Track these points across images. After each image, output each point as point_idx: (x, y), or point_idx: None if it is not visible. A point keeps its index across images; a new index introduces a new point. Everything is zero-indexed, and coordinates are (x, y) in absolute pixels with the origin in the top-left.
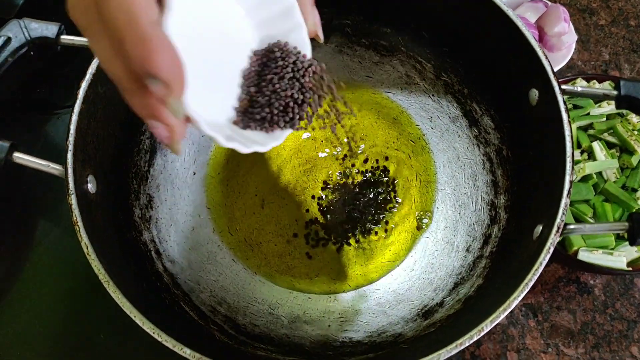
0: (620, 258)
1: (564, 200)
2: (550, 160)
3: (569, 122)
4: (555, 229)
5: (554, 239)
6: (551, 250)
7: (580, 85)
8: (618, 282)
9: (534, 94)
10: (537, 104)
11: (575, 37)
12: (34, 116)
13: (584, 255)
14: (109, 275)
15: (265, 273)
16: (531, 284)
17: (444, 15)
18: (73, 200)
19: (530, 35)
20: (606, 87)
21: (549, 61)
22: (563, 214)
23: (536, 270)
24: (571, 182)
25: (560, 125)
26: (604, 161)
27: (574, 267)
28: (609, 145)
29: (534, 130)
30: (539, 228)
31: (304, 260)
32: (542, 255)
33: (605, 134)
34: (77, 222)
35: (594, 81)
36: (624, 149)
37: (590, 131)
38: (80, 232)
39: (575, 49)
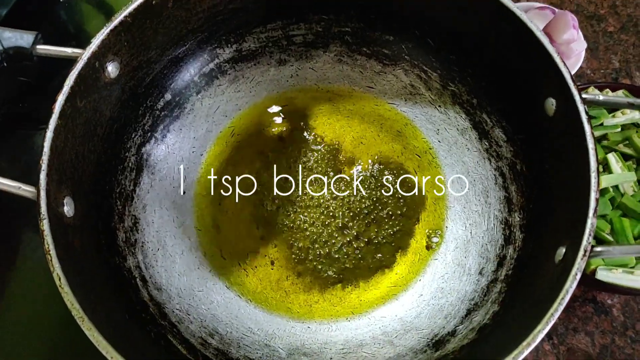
0: None
1: (590, 220)
2: (570, 176)
3: (592, 134)
4: (581, 252)
5: (580, 263)
6: (578, 277)
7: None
8: (638, 302)
9: (551, 103)
10: (554, 114)
11: (584, 44)
12: (16, 132)
13: (602, 275)
14: (84, 310)
15: (261, 300)
16: (557, 314)
17: (450, 20)
18: (45, 225)
19: (546, 40)
20: (620, 96)
21: (567, 68)
22: (590, 235)
23: (562, 299)
24: (597, 199)
25: (582, 138)
26: (621, 174)
27: (591, 287)
28: (625, 157)
29: (551, 142)
30: (562, 250)
31: (302, 286)
32: (568, 283)
33: (621, 145)
34: (49, 251)
35: (607, 90)
36: None
37: (605, 142)
38: (52, 261)
39: (584, 57)
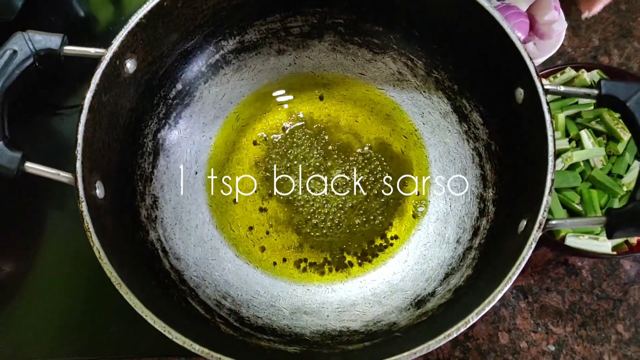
0: (605, 243)
1: (546, 198)
2: (534, 157)
3: (552, 122)
4: (537, 225)
5: (536, 235)
6: (533, 246)
7: (569, 74)
8: (604, 264)
9: (520, 92)
10: (522, 102)
11: (565, 24)
12: (36, 117)
13: (571, 241)
14: (121, 277)
15: (266, 267)
16: (514, 277)
17: (434, 14)
18: (84, 207)
19: (515, 37)
20: (594, 75)
21: (532, 62)
22: (545, 211)
23: (519, 264)
24: (552, 180)
25: (543, 125)
26: (592, 149)
27: (562, 252)
28: (596, 133)
29: (520, 127)
30: (524, 223)
31: (302, 254)
32: (524, 251)
33: (593, 122)
34: (89, 228)
35: (583, 70)
36: (611, 137)
37: (579, 119)
38: (92, 238)
39: (565, 35)
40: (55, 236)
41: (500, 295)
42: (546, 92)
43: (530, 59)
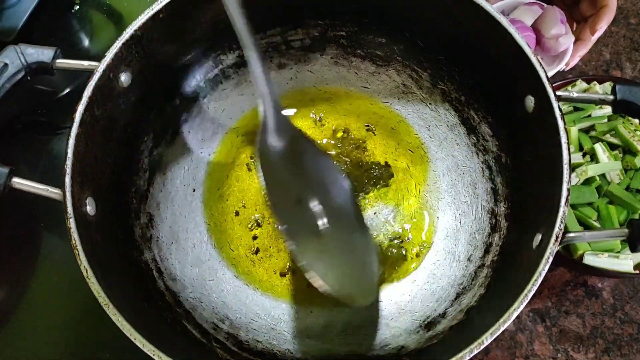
0: (626, 261)
1: (562, 209)
2: (548, 168)
3: (565, 129)
4: (553, 238)
5: (552, 248)
6: (550, 260)
7: (580, 87)
8: (627, 285)
9: (530, 101)
10: (533, 110)
11: (572, 38)
12: (35, 138)
13: (589, 259)
14: (109, 298)
15: (267, 288)
16: (530, 294)
17: (437, 23)
18: (72, 224)
19: (524, 42)
20: (607, 87)
21: (543, 67)
22: (561, 222)
23: (535, 280)
24: (569, 190)
25: (556, 133)
26: (607, 163)
27: (581, 271)
28: (612, 147)
29: (531, 137)
30: (539, 237)
31: (304, 276)
32: (541, 266)
33: (607, 135)
34: (76, 246)
35: (595, 82)
36: (627, 150)
37: (592, 133)
38: (80, 256)
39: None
40: (49, 261)
41: (515, 314)
42: (558, 98)
43: (541, 64)
